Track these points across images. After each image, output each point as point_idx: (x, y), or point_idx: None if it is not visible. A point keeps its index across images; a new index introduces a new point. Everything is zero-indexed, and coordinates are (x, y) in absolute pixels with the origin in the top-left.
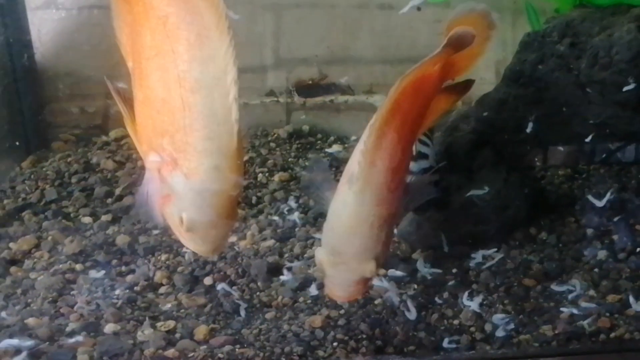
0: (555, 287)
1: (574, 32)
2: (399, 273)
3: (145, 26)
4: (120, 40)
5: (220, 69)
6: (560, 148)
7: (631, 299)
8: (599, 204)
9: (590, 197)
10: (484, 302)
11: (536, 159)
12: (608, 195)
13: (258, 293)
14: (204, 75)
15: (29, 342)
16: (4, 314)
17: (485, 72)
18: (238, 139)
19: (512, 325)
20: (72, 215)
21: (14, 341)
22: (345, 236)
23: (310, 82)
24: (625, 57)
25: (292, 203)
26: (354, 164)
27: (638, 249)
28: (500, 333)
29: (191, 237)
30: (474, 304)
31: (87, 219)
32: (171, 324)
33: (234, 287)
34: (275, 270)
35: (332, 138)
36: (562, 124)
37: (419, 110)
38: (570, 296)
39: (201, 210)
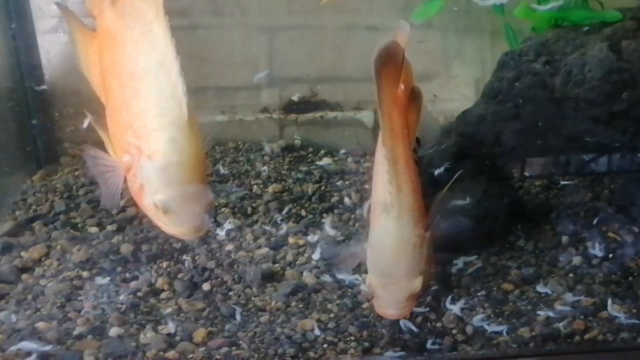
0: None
1: (549, 51)
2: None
3: (104, 48)
4: (90, 75)
5: (162, 53)
6: (537, 160)
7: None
8: None
9: None
10: (465, 306)
11: (514, 170)
12: None
13: (253, 298)
14: (149, 62)
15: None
16: (15, 317)
17: (465, 89)
18: (189, 111)
19: (492, 328)
20: (79, 225)
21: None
22: (393, 259)
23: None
24: (597, 75)
25: (285, 213)
26: (384, 194)
27: (611, 255)
28: (480, 335)
29: (169, 219)
30: (456, 308)
31: (93, 229)
32: (172, 327)
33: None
34: (269, 277)
35: (322, 151)
36: (538, 137)
37: (406, 128)
38: (546, 300)
39: (170, 186)
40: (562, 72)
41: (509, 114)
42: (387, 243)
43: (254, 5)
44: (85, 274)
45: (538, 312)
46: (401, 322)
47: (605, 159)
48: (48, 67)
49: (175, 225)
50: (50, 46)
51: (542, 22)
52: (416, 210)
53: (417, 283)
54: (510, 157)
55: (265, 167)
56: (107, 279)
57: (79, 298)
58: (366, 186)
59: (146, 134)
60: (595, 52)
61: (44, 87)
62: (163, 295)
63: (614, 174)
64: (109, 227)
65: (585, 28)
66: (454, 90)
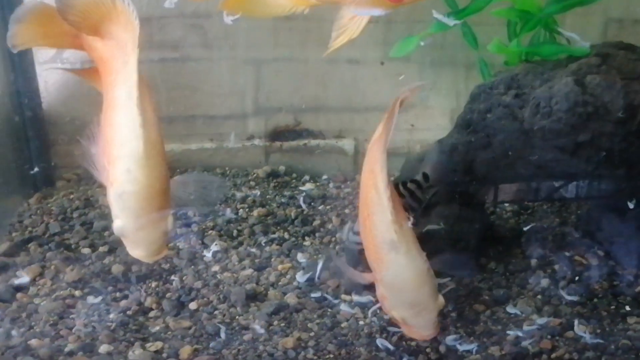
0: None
1: (518, 85)
2: (363, 299)
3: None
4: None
5: (130, 85)
6: (509, 186)
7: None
8: None
9: None
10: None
11: (486, 197)
12: None
13: (237, 317)
14: (121, 93)
15: None
16: (9, 335)
17: (441, 119)
18: (147, 143)
19: (464, 347)
20: (73, 246)
21: None
22: (417, 289)
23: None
24: (564, 107)
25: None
26: (388, 233)
27: (577, 278)
28: (453, 353)
29: (127, 242)
30: None
31: (86, 250)
32: (159, 344)
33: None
34: (252, 297)
35: (305, 177)
36: (508, 165)
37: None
38: (515, 320)
39: (124, 213)
40: (531, 105)
41: (481, 143)
42: (406, 277)
43: (242, 39)
44: (77, 293)
45: (508, 332)
46: (378, 341)
47: (573, 186)
48: (45, 96)
49: (131, 249)
50: (48, 76)
51: (513, 57)
52: (415, 239)
53: (441, 300)
54: (482, 184)
55: (251, 192)
56: (99, 298)
57: (71, 316)
58: (346, 210)
59: (111, 161)
60: (562, 86)
61: None
62: (151, 313)
63: (580, 200)
64: (101, 249)
65: (552, 63)
66: (430, 120)
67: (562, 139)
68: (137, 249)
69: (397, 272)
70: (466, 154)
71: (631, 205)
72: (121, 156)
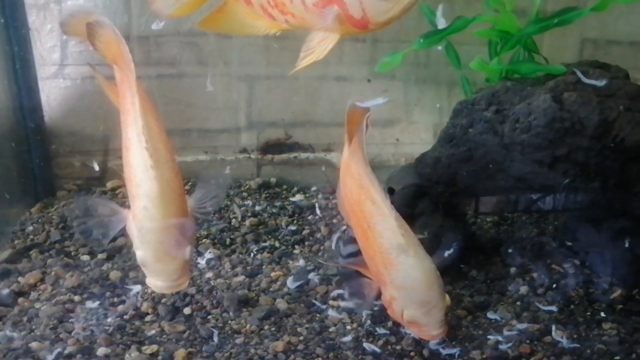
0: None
1: (498, 101)
2: (351, 305)
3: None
4: None
5: (139, 127)
6: (489, 198)
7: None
8: None
9: None
10: None
11: (468, 208)
12: None
13: (229, 321)
14: (132, 134)
15: None
16: (11, 338)
17: (424, 134)
18: (160, 184)
19: (447, 351)
20: (72, 253)
21: None
22: (428, 288)
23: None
24: (542, 123)
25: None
26: (395, 239)
27: (554, 285)
28: (436, 357)
29: (147, 273)
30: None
31: (85, 257)
32: (155, 347)
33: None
34: (244, 302)
35: (295, 189)
36: (489, 178)
37: None
38: (495, 325)
39: (143, 246)
40: (510, 120)
41: (463, 157)
42: (417, 276)
43: (235, 56)
44: (76, 298)
45: (488, 337)
46: (365, 345)
47: (551, 197)
48: (47, 110)
49: (150, 279)
50: (50, 90)
51: (494, 74)
52: (419, 242)
53: (447, 299)
54: (463, 196)
55: (243, 202)
56: (97, 303)
57: (70, 320)
58: (334, 220)
59: (131, 199)
60: (540, 102)
61: None
62: (147, 318)
63: (558, 211)
64: (100, 256)
65: (531, 81)
66: (415, 134)
67: (540, 153)
68: (157, 280)
69: (408, 273)
70: (449, 166)
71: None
72: (139, 195)
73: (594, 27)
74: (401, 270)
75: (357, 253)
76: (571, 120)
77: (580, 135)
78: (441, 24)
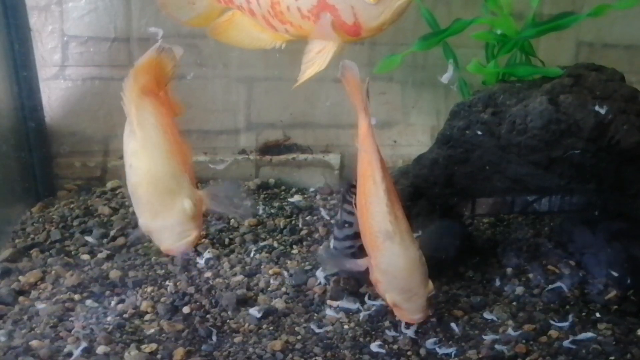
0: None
1: (495, 103)
2: (348, 305)
3: None
4: None
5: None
6: (486, 199)
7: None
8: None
9: None
10: (419, 330)
11: (464, 209)
12: None
13: (228, 321)
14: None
15: None
16: (11, 336)
17: (422, 136)
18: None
19: (443, 350)
20: (73, 253)
21: None
22: (410, 275)
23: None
24: (538, 125)
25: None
26: (383, 224)
27: (550, 286)
28: (433, 357)
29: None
30: (410, 332)
31: (85, 257)
32: (154, 346)
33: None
34: (243, 301)
35: (293, 189)
36: (485, 179)
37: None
38: (492, 325)
39: (138, 209)
40: (507, 122)
41: (460, 158)
42: (400, 264)
43: (234, 58)
44: (76, 297)
45: (484, 337)
46: (362, 344)
47: (547, 199)
48: (48, 110)
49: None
50: (51, 91)
51: (491, 77)
52: (410, 230)
53: (430, 286)
54: (460, 197)
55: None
56: (97, 302)
57: (70, 319)
58: (332, 221)
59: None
60: (536, 104)
61: None
62: (147, 317)
63: (553, 213)
64: (100, 255)
65: (528, 83)
66: (412, 136)
67: (537, 155)
68: (159, 242)
69: (391, 259)
70: (446, 167)
71: None
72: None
73: (589, 31)
74: (386, 255)
75: (353, 236)
76: (567, 123)
77: (576, 137)
78: (445, 78)
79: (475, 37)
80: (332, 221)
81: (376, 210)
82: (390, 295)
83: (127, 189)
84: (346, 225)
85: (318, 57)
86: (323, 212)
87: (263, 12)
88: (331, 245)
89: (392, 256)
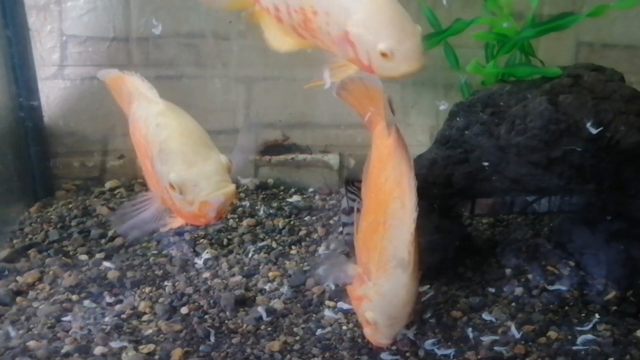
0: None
1: (494, 103)
2: (346, 306)
3: None
4: None
5: None
6: (486, 200)
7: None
8: None
9: None
10: (418, 331)
11: (464, 209)
12: None
13: (226, 321)
14: None
15: None
16: (9, 336)
17: (421, 136)
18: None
19: (442, 351)
20: (71, 253)
21: None
22: (405, 307)
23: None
24: (538, 125)
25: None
26: (401, 250)
27: (549, 287)
28: (431, 358)
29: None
30: (409, 332)
31: (83, 257)
32: (152, 347)
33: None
34: (241, 302)
35: (292, 190)
36: (485, 180)
37: None
38: (490, 326)
39: (169, 163)
40: (506, 122)
41: (459, 159)
42: (402, 295)
43: (234, 58)
44: (74, 297)
45: (483, 338)
46: (361, 344)
47: (546, 199)
48: (47, 110)
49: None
50: (50, 91)
51: (490, 77)
52: (417, 258)
53: (411, 316)
54: (459, 197)
55: (241, 203)
56: (94, 302)
57: (67, 319)
58: (331, 222)
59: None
60: (536, 104)
61: None
62: (145, 317)
63: (553, 213)
64: (98, 255)
65: (527, 83)
66: (411, 136)
67: (536, 155)
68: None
69: (395, 287)
70: (445, 168)
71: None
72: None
73: (589, 31)
74: (391, 282)
75: None
76: (567, 123)
77: (575, 137)
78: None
79: (475, 37)
80: (335, 219)
81: (397, 235)
82: (373, 315)
83: (144, 153)
84: (353, 211)
85: (339, 70)
86: (322, 213)
87: (293, 23)
88: (342, 232)
89: (397, 284)
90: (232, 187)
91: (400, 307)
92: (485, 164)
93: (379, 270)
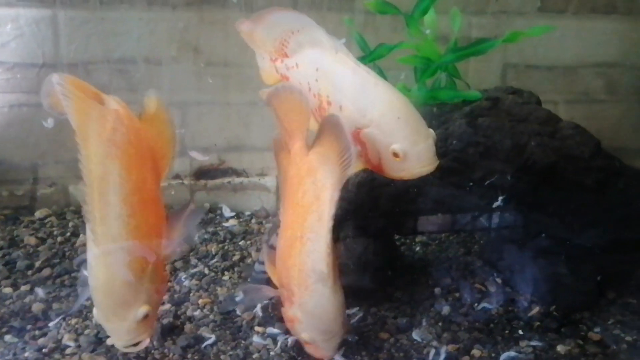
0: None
1: None
2: (275, 330)
3: None
4: None
5: None
6: (415, 220)
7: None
8: None
9: None
10: (346, 354)
11: (394, 230)
12: None
13: (152, 351)
14: None
15: None
16: None
17: None
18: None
19: None
20: None
21: None
22: (334, 320)
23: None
24: (458, 147)
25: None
26: (321, 265)
27: (476, 305)
28: None
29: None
30: (338, 356)
31: (7, 290)
32: None
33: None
34: (169, 331)
35: (229, 214)
36: (410, 202)
37: None
38: (417, 347)
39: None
40: None
41: (384, 181)
42: (328, 308)
43: (166, 83)
44: None
45: (410, 359)
46: None
47: (474, 218)
48: None
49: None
50: None
51: (418, 100)
52: (337, 270)
53: (346, 328)
54: (387, 218)
55: None
56: (16, 336)
57: None
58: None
59: None
60: (456, 127)
61: None
62: (68, 350)
63: (484, 231)
64: (23, 288)
65: (450, 106)
66: None
67: (457, 177)
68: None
69: (320, 302)
70: (371, 190)
71: None
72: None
73: (515, 54)
74: (314, 298)
75: None
76: (486, 145)
77: (494, 159)
78: None
79: (400, 61)
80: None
81: (314, 249)
82: (309, 334)
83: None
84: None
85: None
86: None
87: (311, 105)
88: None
89: (321, 299)
90: (141, 345)
91: (331, 322)
92: (409, 185)
93: (301, 288)
